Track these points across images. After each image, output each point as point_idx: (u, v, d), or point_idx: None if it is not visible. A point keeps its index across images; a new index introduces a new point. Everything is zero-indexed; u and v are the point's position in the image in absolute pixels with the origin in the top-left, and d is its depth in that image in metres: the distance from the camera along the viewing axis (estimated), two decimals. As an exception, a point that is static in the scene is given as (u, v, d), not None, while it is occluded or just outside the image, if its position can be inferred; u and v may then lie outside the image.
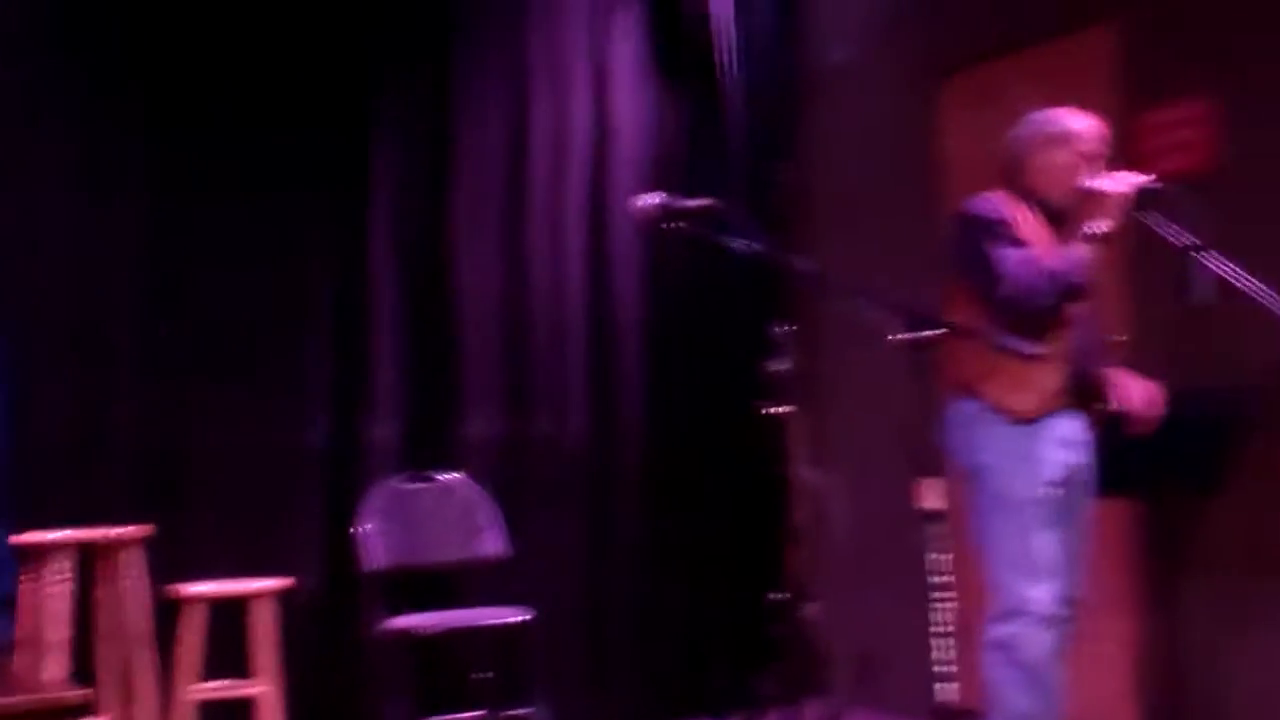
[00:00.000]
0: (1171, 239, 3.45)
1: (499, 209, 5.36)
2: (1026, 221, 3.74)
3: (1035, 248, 3.65)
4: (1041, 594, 3.60)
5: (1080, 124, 3.77)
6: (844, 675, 5.80)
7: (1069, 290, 3.57)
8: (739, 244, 3.22)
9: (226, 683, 4.49)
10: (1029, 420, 3.66)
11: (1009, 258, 3.62)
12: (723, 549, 5.64)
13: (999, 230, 3.70)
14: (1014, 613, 3.62)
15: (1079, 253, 3.57)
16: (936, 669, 2.94)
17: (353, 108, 5.11)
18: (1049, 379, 3.64)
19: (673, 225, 3.16)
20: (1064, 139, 3.76)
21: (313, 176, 4.98)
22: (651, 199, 3.14)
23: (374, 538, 4.83)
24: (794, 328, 3.37)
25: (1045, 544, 3.62)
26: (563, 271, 5.47)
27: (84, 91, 4.68)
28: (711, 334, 5.74)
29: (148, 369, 4.70)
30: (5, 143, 4.50)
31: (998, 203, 3.79)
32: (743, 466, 5.54)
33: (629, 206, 3.18)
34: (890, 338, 2.93)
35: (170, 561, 4.52)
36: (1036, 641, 3.60)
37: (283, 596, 4.54)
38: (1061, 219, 3.74)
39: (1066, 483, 3.69)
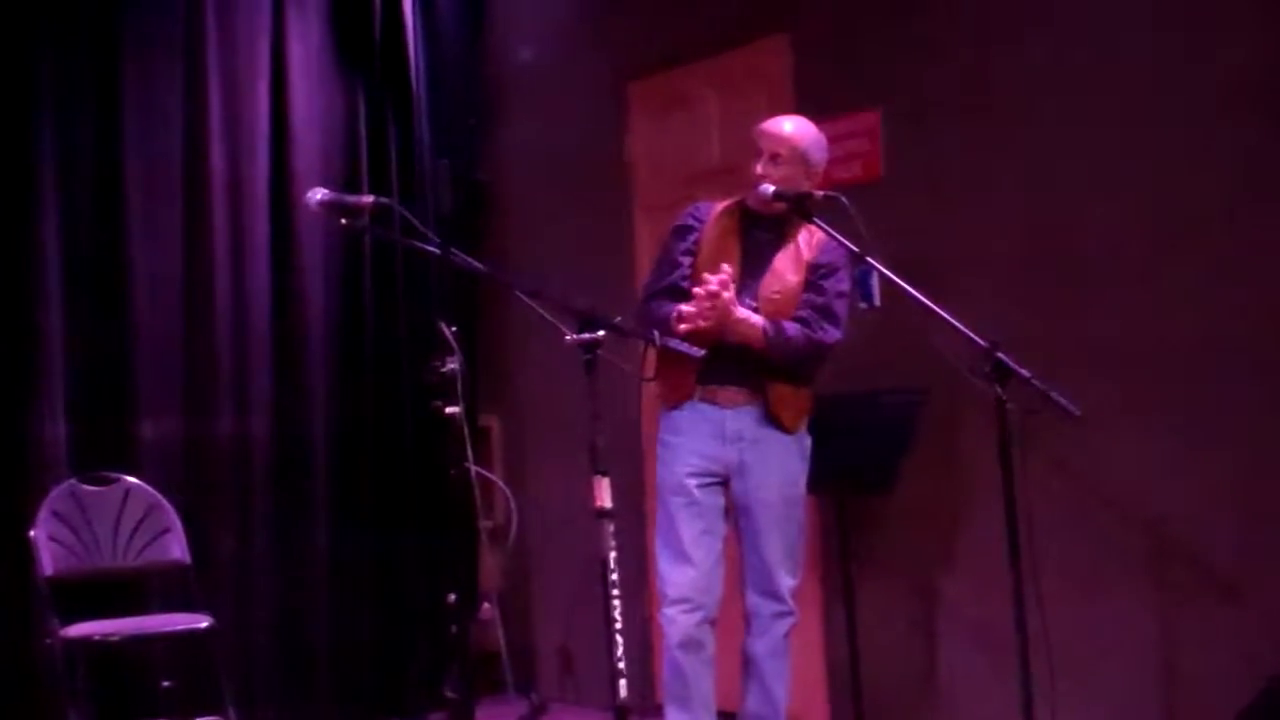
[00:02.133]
0: (846, 246, 3.57)
1: (177, 200, 5.12)
2: (718, 229, 3.88)
3: (675, 270, 3.85)
4: (679, 577, 3.75)
5: (767, 124, 3.89)
6: (548, 671, 5.85)
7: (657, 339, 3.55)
8: (413, 242, 3.20)
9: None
10: (674, 406, 3.84)
11: (649, 277, 3.91)
12: (413, 551, 5.58)
13: (669, 241, 3.93)
14: (661, 595, 3.81)
15: (667, 323, 3.66)
16: (619, 665, 2.98)
17: (12, 89, 4.78)
18: (690, 371, 3.77)
19: (344, 221, 3.12)
20: (753, 140, 3.89)
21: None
22: (316, 194, 3.09)
23: (47, 543, 4.59)
24: (467, 327, 3.32)
25: (685, 531, 3.77)
26: (245, 266, 5.28)
27: None
28: (396, 333, 5.67)
29: None
30: None
31: (702, 209, 3.96)
32: (431, 467, 5.51)
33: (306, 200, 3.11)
34: (566, 338, 2.96)
35: None
36: (678, 624, 3.75)
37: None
38: (766, 221, 3.89)
39: (718, 474, 3.82)
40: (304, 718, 5.25)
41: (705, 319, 3.63)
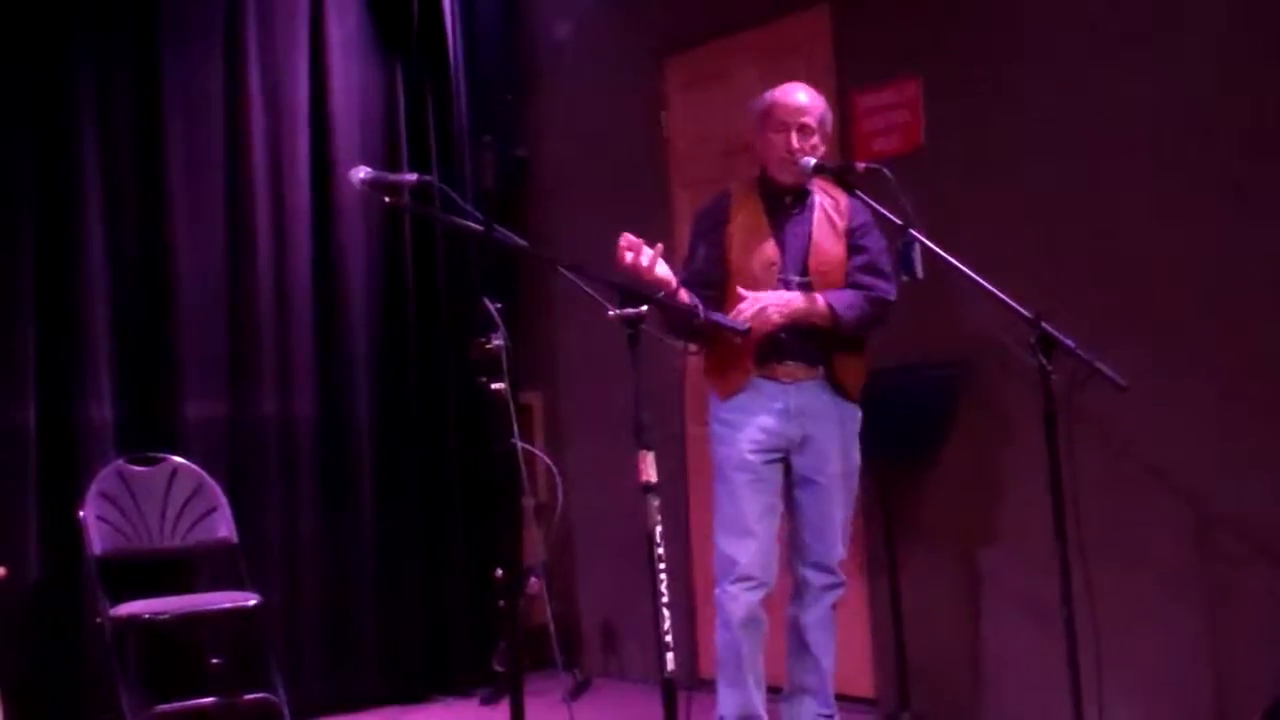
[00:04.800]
0: (889, 217, 3.55)
1: (219, 182, 5.17)
2: (744, 214, 3.85)
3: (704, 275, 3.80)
4: (743, 555, 3.74)
5: (784, 97, 3.84)
6: (591, 647, 5.88)
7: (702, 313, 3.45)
8: (455, 219, 3.21)
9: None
10: (733, 394, 3.82)
11: (687, 270, 3.84)
12: (458, 527, 5.62)
13: (694, 245, 3.91)
14: (722, 573, 3.78)
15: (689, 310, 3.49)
16: (667, 639, 2.99)
17: (52, 76, 4.83)
18: (747, 356, 3.77)
19: (386, 199, 3.13)
20: (770, 115, 3.84)
21: (14, 147, 4.74)
22: (359, 172, 3.10)
23: (96, 523, 4.65)
24: (507, 303, 3.32)
25: (750, 508, 3.76)
26: (287, 245, 5.31)
27: None
28: (437, 310, 5.70)
29: None
30: None
31: (721, 198, 3.93)
32: (473, 443, 5.56)
33: (349, 178, 3.12)
34: (608, 313, 2.97)
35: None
36: (740, 600, 3.74)
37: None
38: (787, 195, 3.86)
39: (781, 450, 3.81)
40: (351, 694, 5.29)
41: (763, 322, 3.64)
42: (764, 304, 3.66)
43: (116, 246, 4.92)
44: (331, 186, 5.41)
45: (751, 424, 3.78)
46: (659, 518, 2.97)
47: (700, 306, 3.33)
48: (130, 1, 5.03)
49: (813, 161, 3.71)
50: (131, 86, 5.02)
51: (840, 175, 3.71)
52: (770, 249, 3.81)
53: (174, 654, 4.86)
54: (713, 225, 3.86)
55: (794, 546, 3.88)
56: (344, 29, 5.56)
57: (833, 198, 3.87)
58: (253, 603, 4.58)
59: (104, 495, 4.74)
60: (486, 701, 5.35)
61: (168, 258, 5.02)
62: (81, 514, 4.64)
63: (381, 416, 5.51)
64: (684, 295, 3.56)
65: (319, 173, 5.41)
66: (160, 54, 5.06)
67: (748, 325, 3.35)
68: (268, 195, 5.27)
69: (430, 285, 5.69)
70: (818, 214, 3.86)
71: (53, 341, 4.76)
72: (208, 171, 5.14)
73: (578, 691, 5.42)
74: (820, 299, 3.74)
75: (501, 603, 4.63)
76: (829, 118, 3.88)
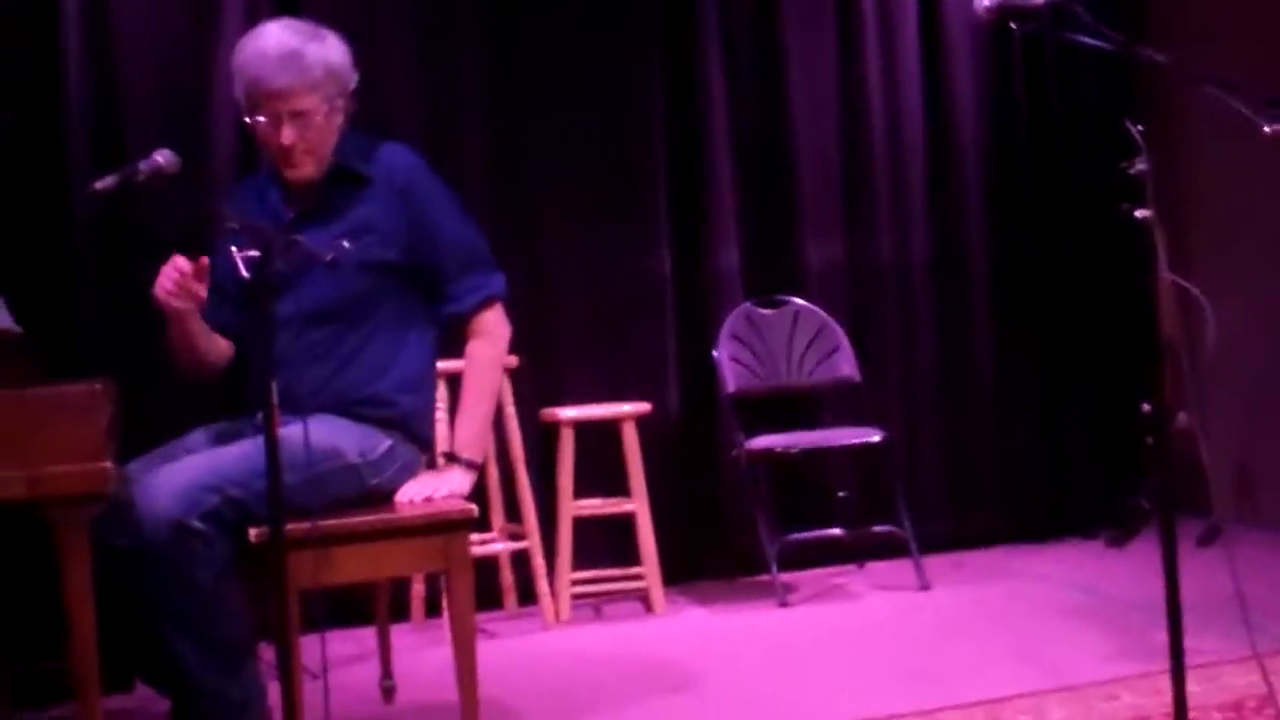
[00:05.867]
0: None
1: (829, 27, 5.24)
2: None
3: None
4: None
5: None
6: (1221, 491, 5.57)
7: None
8: (1087, 40, 3.06)
9: (601, 501, 4.67)
10: None
11: None
12: (1083, 361, 5.46)
13: None
14: None
15: None
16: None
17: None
18: None
19: (1018, 25, 3.02)
20: None
21: (645, 24, 5.04)
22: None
23: (729, 363, 4.93)
24: (1148, 126, 3.12)
25: None
26: (897, 86, 5.32)
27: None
28: (1061, 138, 5.48)
29: (500, 203, 4.78)
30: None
31: None
32: (1101, 274, 5.38)
33: (971, 8, 3.03)
34: (1264, 130, 2.73)
35: (540, 389, 4.78)
36: None
37: (645, 420, 4.67)
38: None
39: None
40: (972, 531, 5.33)
41: None
42: None
43: (737, 111, 5.14)
44: (939, 21, 5.37)
45: None
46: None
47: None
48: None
49: None
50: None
51: None
52: None
53: (803, 486, 5.10)
54: None
55: None
56: None
57: None
58: (877, 438, 4.69)
59: (735, 337, 5.00)
60: (1112, 543, 5.21)
61: (783, 111, 5.18)
62: (715, 354, 4.94)
63: (998, 252, 5.43)
64: None
65: (926, 7, 5.38)
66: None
67: None
68: (876, 37, 5.29)
69: (1044, 117, 5.47)
70: None
71: (684, 200, 5.07)
72: (818, 16, 5.23)
73: (1209, 538, 5.16)
74: None
75: (1149, 439, 4.45)
76: None
